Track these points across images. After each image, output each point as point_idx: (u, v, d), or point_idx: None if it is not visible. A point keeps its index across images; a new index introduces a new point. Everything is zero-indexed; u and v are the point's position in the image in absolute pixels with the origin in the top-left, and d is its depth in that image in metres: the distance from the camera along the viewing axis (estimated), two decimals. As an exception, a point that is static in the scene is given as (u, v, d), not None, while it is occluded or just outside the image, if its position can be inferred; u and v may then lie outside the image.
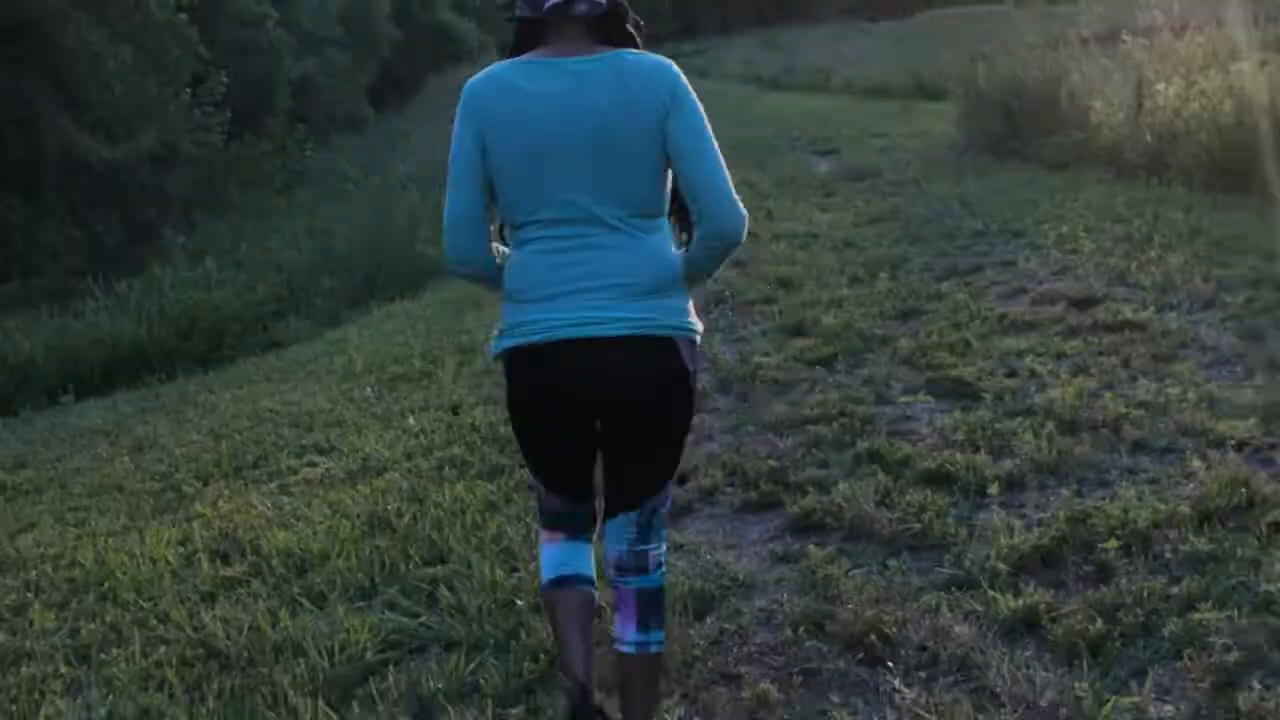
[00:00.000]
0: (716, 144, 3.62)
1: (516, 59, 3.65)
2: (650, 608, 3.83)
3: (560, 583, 3.93)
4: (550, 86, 3.55)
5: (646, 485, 3.82)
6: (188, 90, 28.26)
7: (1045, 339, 8.06)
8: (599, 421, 3.74)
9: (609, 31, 3.65)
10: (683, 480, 6.52)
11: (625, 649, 3.82)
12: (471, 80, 3.66)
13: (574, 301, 3.55)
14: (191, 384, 11.40)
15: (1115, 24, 18.13)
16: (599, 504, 3.99)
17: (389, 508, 6.41)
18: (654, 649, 3.83)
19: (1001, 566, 4.95)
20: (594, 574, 4.02)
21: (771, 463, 6.46)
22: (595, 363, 3.56)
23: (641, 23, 3.77)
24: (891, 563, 5.18)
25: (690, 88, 3.64)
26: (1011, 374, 7.45)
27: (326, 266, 14.50)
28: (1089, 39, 17.56)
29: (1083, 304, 8.79)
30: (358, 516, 6.37)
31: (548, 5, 3.57)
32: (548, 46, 3.63)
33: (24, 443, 10.11)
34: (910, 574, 5.07)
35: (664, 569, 3.96)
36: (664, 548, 3.96)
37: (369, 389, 9.23)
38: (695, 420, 7.48)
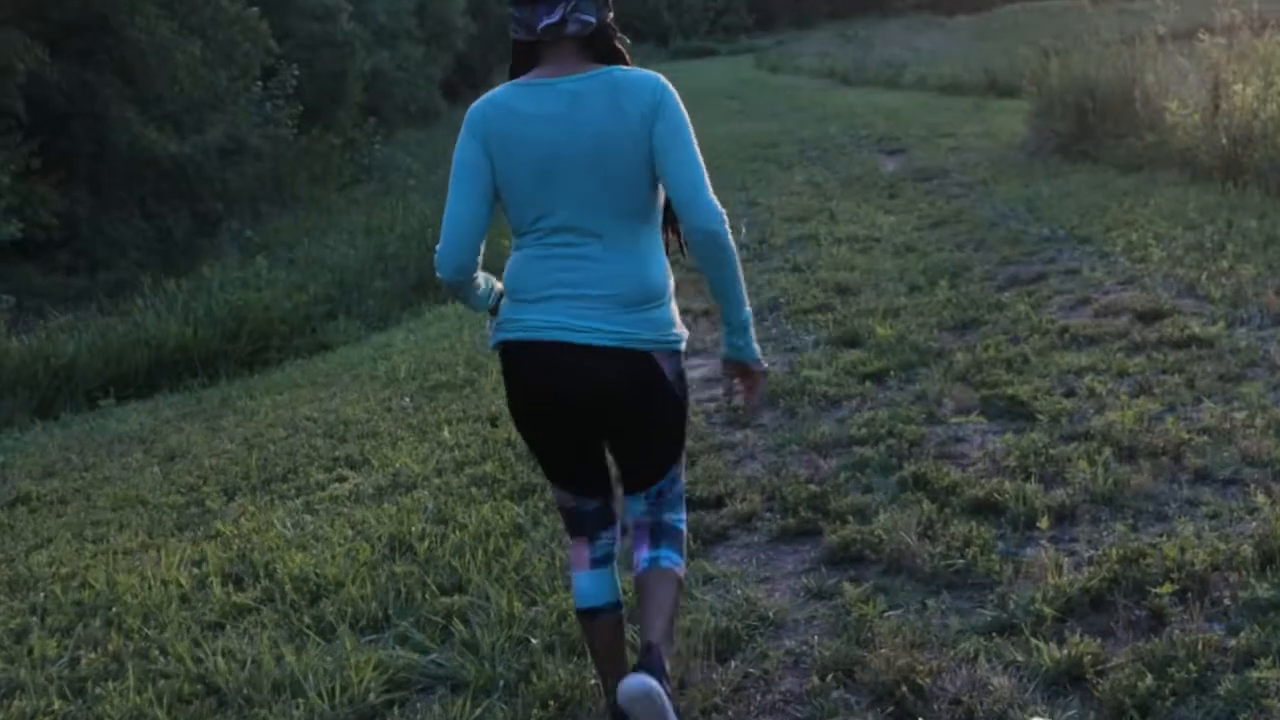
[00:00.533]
0: (696, 145, 3.82)
1: (515, 82, 3.87)
2: (664, 534, 4.06)
3: (591, 614, 4.10)
4: (548, 108, 3.77)
5: (648, 475, 4.05)
6: (258, 83, 28.25)
7: (1107, 355, 7.69)
8: (586, 418, 3.91)
9: (599, 49, 3.87)
10: (719, 504, 6.25)
11: (639, 568, 4.03)
12: (474, 105, 3.89)
13: (562, 306, 3.78)
14: (234, 388, 11.21)
15: (1192, 22, 17.62)
16: (616, 505, 4.21)
17: (412, 529, 6.16)
18: (665, 563, 4.00)
19: (1047, 610, 4.62)
20: (619, 594, 4.17)
21: (812, 487, 6.15)
22: (577, 367, 3.77)
23: (628, 40, 4.02)
24: (930, 602, 4.86)
25: (676, 97, 3.85)
26: (1070, 393, 7.09)
27: (379, 266, 14.25)
28: (1165, 37, 17.04)
29: (1148, 317, 8.40)
30: (379, 538, 6.12)
31: (541, 26, 3.78)
32: (543, 66, 3.84)
33: (59, 448, 9.94)
34: (949, 615, 4.75)
35: (683, 523, 4.17)
36: (682, 515, 4.17)
37: (408, 398, 8.99)
38: (738, 437, 7.26)
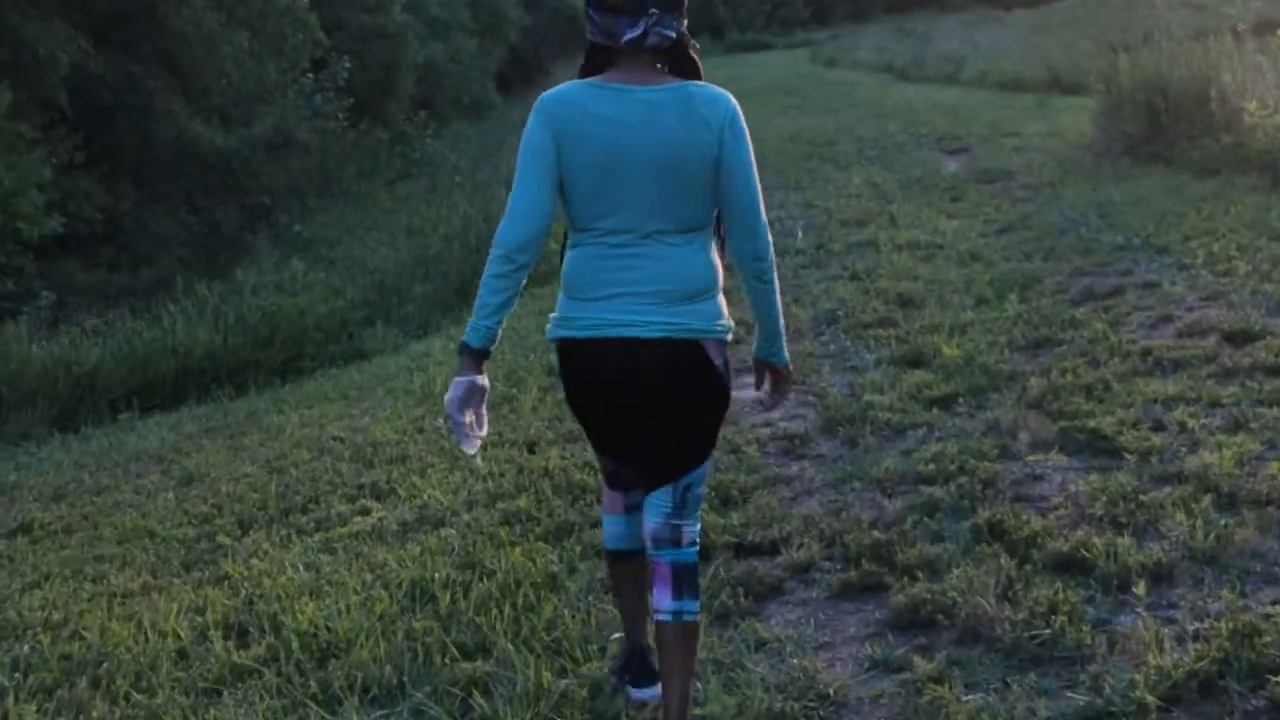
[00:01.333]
0: (756, 173, 4.01)
1: (590, 81, 3.97)
2: (684, 579, 4.11)
3: (623, 556, 4.41)
4: (621, 113, 3.89)
5: (680, 465, 4.13)
6: (309, 75, 27.79)
7: (1195, 383, 7.04)
8: (633, 409, 4.05)
9: (675, 60, 4.01)
10: (773, 550, 5.66)
11: (662, 618, 4.10)
12: (546, 95, 3.99)
13: (618, 304, 3.93)
14: (263, 400, 10.63)
15: (1272, 16, 16.84)
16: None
17: (436, 575, 5.59)
18: (687, 618, 4.09)
19: (1149, 698, 4.01)
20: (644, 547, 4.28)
21: (876, 534, 5.55)
22: (631, 358, 3.93)
23: (699, 47, 4.10)
24: (1013, 683, 4.26)
25: (743, 120, 3.99)
26: (1158, 427, 6.46)
27: (419, 270, 13.52)
28: (1242, 32, 16.28)
29: (1238, 338, 7.74)
30: (399, 585, 5.55)
31: (625, 39, 3.89)
32: (618, 71, 3.95)
33: (74, 466, 9.41)
34: (1035, 698, 4.15)
35: (696, 546, 4.20)
36: (698, 528, 4.23)
37: (442, 418, 8.41)
38: (794, 469, 6.66)
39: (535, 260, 4.02)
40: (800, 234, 12.90)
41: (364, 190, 25.18)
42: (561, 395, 8.60)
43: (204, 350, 11.87)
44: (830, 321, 9.78)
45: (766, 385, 4.40)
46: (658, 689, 4.23)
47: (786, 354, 4.36)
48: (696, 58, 4.05)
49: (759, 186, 4.03)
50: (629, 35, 3.89)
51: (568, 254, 4.11)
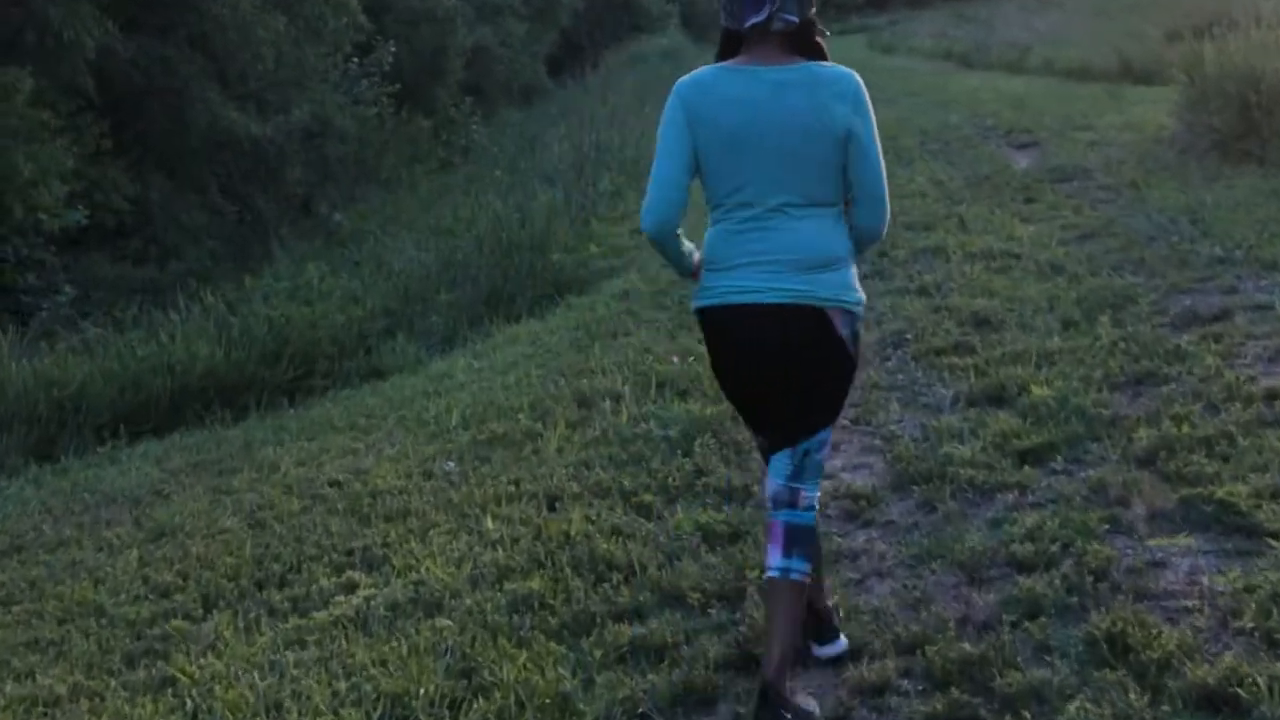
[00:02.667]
0: (881, 150, 4.20)
1: (722, 65, 4.23)
2: (795, 539, 4.23)
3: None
4: (750, 93, 4.12)
5: (804, 429, 4.27)
6: (354, 60, 26.78)
7: (1340, 439, 5.88)
8: (764, 373, 4.20)
9: (801, 43, 4.18)
10: (838, 662, 4.55)
11: (772, 573, 4.22)
12: (682, 80, 4.25)
13: (750, 272, 4.13)
14: (263, 428, 9.47)
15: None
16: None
17: (422, 689, 4.49)
18: (795, 576, 4.20)
19: None
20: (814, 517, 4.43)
21: (965, 647, 4.43)
22: (759, 324, 4.12)
23: (828, 33, 4.31)
24: None
25: (868, 97, 4.17)
26: (1303, 500, 5.30)
27: (447, 274, 12.25)
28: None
29: (1379, 379, 6.58)
30: (375, 702, 4.46)
31: (749, 23, 4.12)
32: (748, 54, 4.19)
33: (40, 510, 8.28)
34: None
35: (814, 511, 4.36)
36: (817, 493, 4.37)
37: (452, 461, 7.30)
38: (861, 540, 5.54)
39: (679, 221, 4.28)
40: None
41: (405, 180, 24.12)
42: (595, 430, 7.61)
43: (204, 367, 10.63)
44: (897, 344, 8.66)
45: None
46: (840, 643, 4.54)
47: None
48: (822, 41, 4.25)
49: (883, 163, 4.24)
50: (753, 20, 4.13)
51: (707, 231, 4.32)
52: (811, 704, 4.22)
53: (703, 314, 4.34)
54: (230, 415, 10.17)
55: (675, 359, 8.73)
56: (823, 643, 4.54)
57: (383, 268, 12.74)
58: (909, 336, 8.73)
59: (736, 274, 4.16)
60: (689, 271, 4.45)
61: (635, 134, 20.59)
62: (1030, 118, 19.04)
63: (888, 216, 4.31)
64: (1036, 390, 6.98)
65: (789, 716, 4.02)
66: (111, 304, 18.12)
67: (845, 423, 7.03)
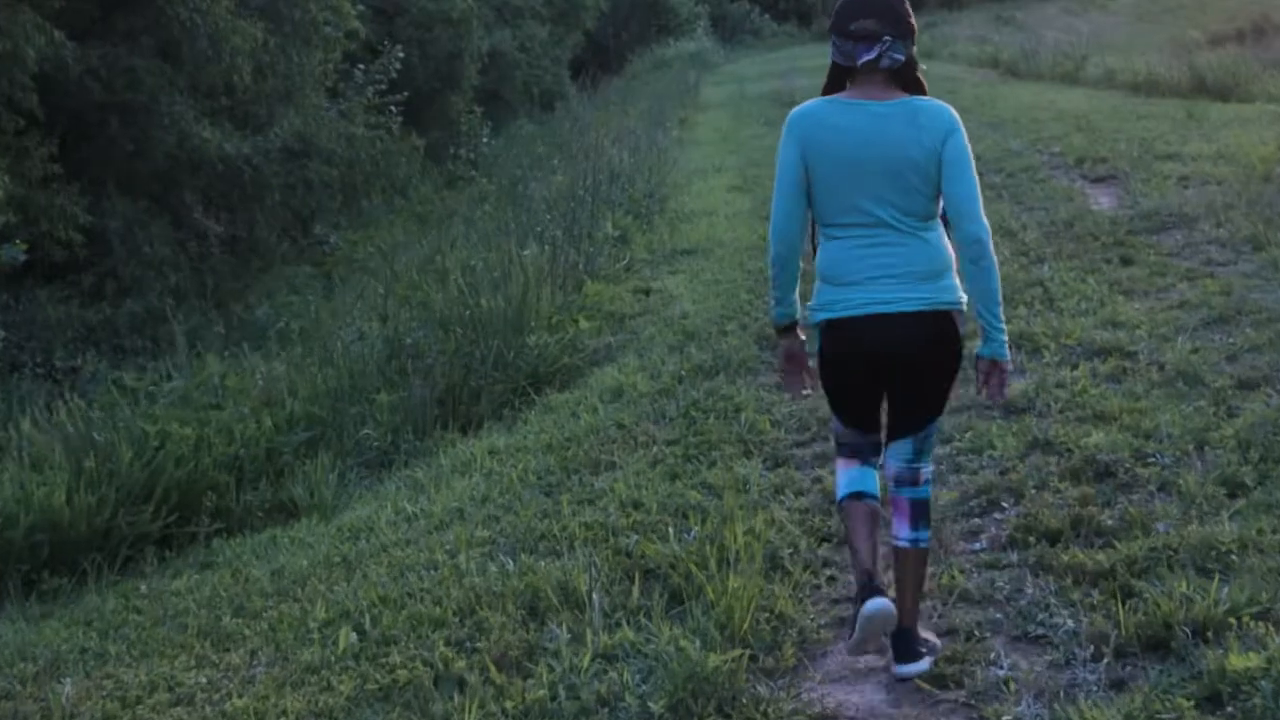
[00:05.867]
0: (975, 171, 4.58)
1: (831, 98, 4.66)
2: (919, 513, 4.76)
3: (856, 496, 4.78)
4: (858, 124, 4.54)
5: (923, 418, 4.77)
6: (359, 68, 24.14)
7: None
8: (888, 373, 4.67)
9: (903, 79, 4.60)
10: None
11: (900, 544, 4.76)
12: (795, 112, 4.68)
13: (872, 286, 4.56)
14: (77, 632, 6.22)
15: None
16: (883, 437, 4.85)
17: None
18: (922, 544, 4.76)
19: None
20: (879, 493, 4.80)
21: None
22: (889, 331, 4.56)
23: (925, 68, 4.72)
24: None
25: (963, 127, 4.58)
26: None
27: (395, 364, 9.27)
28: None
29: None
30: None
31: (861, 61, 4.54)
32: (856, 88, 4.61)
33: None
34: None
35: (930, 484, 4.86)
36: (931, 469, 4.88)
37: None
38: None
39: (804, 240, 4.73)
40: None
41: (399, 206, 21.43)
42: (531, 696, 4.89)
43: (40, 514, 7.32)
44: (986, 511, 5.97)
45: (987, 381, 4.74)
46: (879, 601, 4.50)
47: (1007, 349, 4.69)
48: (922, 78, 4.65)
49: (976, 181, 4.56)
50: (865, 57, 4.52)
51: (820, 247, 4.73)
52: (935, 638, 4.83)
53: (832, 325, 4.65)
54: (60, 585, 7.25)
55: (670, 529, 6.04)
56: (865, 600, 4.55)
57: (322, 347, 9.81)
58: (1003, 501, 6.03)
59: (866, 288, 4.57)
60: (783, 322, 4.86)
61: (651, 158, 17.87)
62: (1102, 143, 16.18)
63: (986, 228, 4.56)
64: (1236, 662, 4.26)
65: (923, 650, 4.69)
66: (50, 349, 15.58)
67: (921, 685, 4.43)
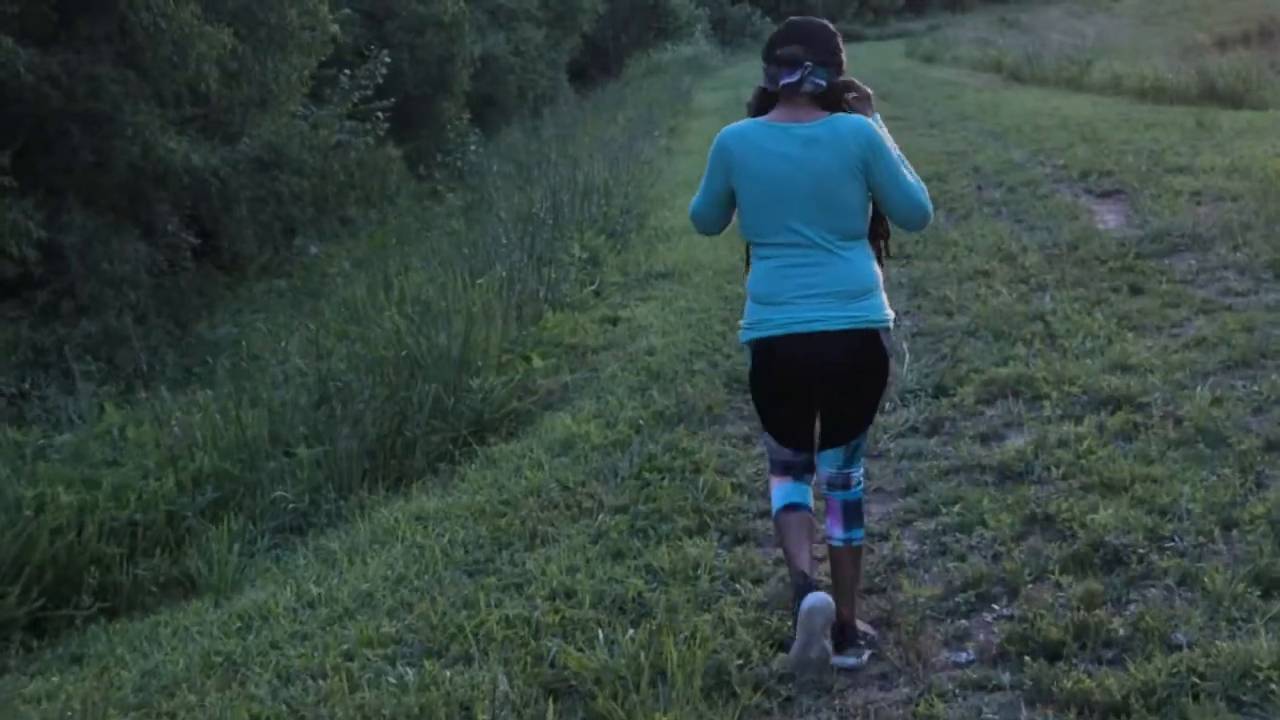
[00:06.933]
0: (906, 166, 4.76)
1: (758, 120, 4.81)
2: (851, 513, 4.90)
3: (790, 508, 4.90)
4: (784, 148, 4.69)
5: (852, 432, 4.89)
6: (345, 73, 23.14)
7: None
8: (818, 390, 4.79)
9: (828, 101, 4.76)
10: None
11: (834, 543, 4.93)
12: (725, 131, 4.86)
13: (799, 305, 4.69)
14: None
15: None
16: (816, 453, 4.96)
17: None
18: (855, 543, 4.92)
19: None
20: (811, 504, 4.92)
21: None
22: (816, 349, 4.68)
23: (852, 95, 4.82)
24: None
25: (884, 136, 4.71)
26: None
27: (323, 410, 8.17)
28: None
29: None
30: None
31: (783, 83, 4.72)
32: (781, 111, 4.77)
33: None
34: None
35: (861, 487, 4.97)
36: (861, 472, 4.98)
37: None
38: None
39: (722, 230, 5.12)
40: (907, 359, 8.07)
41: (376, 219, 20.44)
42: None
43: None
44: (974, 610, 5.01)
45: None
46: (817, 596, 4.55)
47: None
48: (850, 105, 4.78)
49: (909, 177, 4.76)
50: (786, 80, 4.70)
51: (752, 267, 4.88)
52: (873, 631, 4.95)
53: (762, 344, 4.79)
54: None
55: (602, 632, 5.08)
56: (801, 597, 4.59)
57: (250, 389, 8.75)
58: (995, 597, 5.07)
59: (794, 307, 4.69)
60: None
61: (633, 169, 16.87)
62: (1107, 154, 15.17)
63: (926, 212, 4.85)
64: None
65: (862, 642, 4.82)
66: (-3, 374, 14.61)
67: None
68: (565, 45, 41.99)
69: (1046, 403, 7.12)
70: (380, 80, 23.76)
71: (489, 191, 18.57)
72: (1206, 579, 4.89)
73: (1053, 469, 6.20)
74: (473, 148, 26.87)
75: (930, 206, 4.83)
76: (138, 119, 17.44)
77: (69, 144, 17.11)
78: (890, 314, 4.80)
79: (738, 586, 5.47)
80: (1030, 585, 5.09)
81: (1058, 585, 5.06)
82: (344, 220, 22.48)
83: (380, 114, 23.27)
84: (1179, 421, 6.59)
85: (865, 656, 4.74)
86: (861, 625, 4.91)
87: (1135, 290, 9.27)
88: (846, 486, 4.90)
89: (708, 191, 4.90)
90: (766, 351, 4.76)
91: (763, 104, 4.81)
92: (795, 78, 4.67)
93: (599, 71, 47.15)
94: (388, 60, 24.12)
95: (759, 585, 5.48)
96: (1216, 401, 6.80)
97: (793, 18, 4.92)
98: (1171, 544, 5.28)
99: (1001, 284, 9.80)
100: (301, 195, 18.86)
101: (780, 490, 4.95)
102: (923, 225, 4.89)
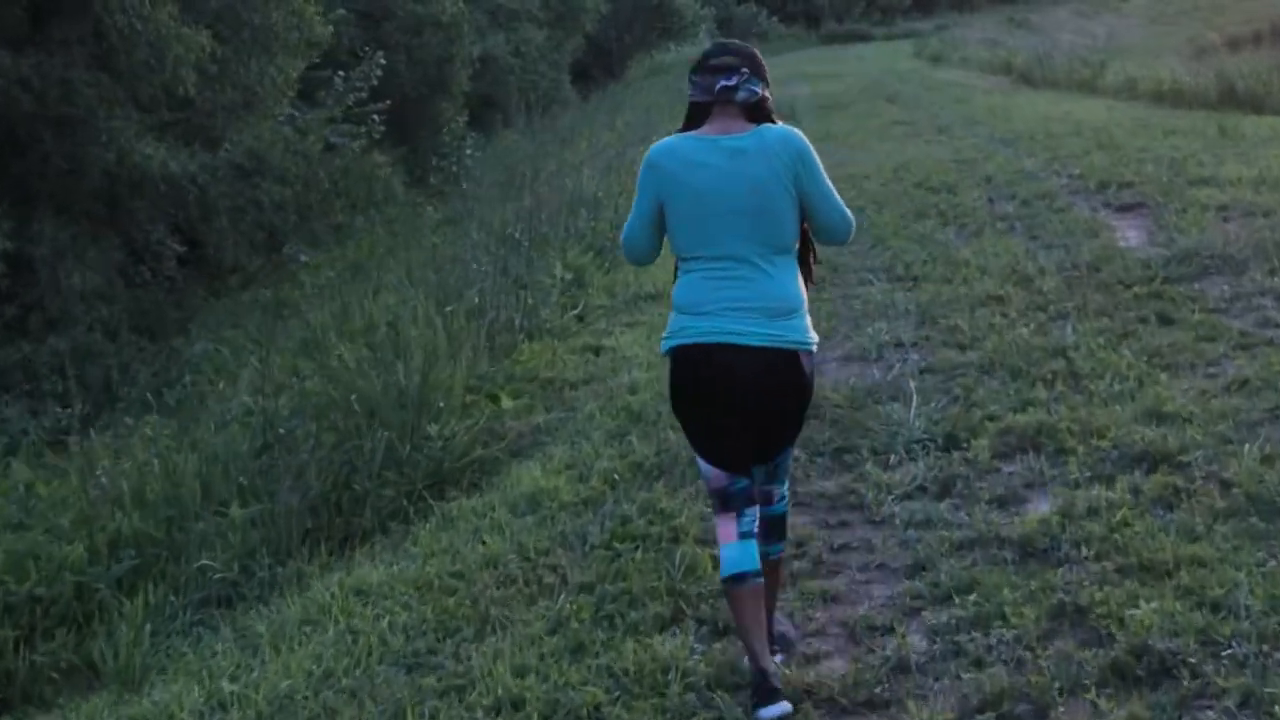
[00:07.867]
0: (830, 183, 4.70)
1: (688, 134, 4.70)
2: (774, 527, 4.89)
3: (737, 579, 4.59)
4: (714, 160, 4.58)
5: (773, 451, 4.79)
6: (339, 75, 22.29)
7: None
8: (739, 405, 4.58)
9: (756, 114, 4.68)
10: None
11: None
12: (655, 146, 4.76)
13: (723, 317, 4.53)
14: None
15: None
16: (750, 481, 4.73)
17: None
18: (773, 556, 4.88)
19: None
20: (759, 565, 4.62)
21: None
22: (735, 362, 4.52)
23: (776, 116, 4.78)
24: None
25: (811, 148, 4.67)
26: None
27: (260, 462, 7.22)
28: None
29: None
30: None
31: (719, 86, 4.62)
32: (712, 124, 4.66)
33: None
34: None
35: (785, 502, 4.96)
36: (785, 489, 4.96)
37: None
38: None
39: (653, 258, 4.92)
40: (914, 400, 7.19)
41: (363, 227, 19.60)
42: None
43: None
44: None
45: None
46: (779, 707, 4.36)
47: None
48: (774, 114, 4.73)
49: (833, 192, 4.70)
50: (724, 83, 4.60)
51: (678, 279, 4.72)
52: (791, 629, 5.04)
53: (679, 352, 4.62)
54: None
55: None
56: (762, 706, 4.40)
57: (189, 435, 7.81)
58: (1020, 719, 4.21)
59: (716, 319, 4.53)
60: None
61: (627, 181, 16.02)
62: (1126, 164, 14.28)
63: (851, 226, 4.79)
64: None
65: (777, 647, 4.79)
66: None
67: None
68: (567, 46, 41.09)
69: (1072, 459, 6.24)
70: (375, 82, 22.98)
71: (474, 202, 17.66)
72: (1277, 705, 4.02)
73: (1082, 546, 5.33)
74: (469, 151, 26.03)
75: (853, 220, 4.80)
76: (113, 124, 16.61)
77: (40, 150, 16.28)
78: (814, 337, 4.69)
79: (715, 699, 4.59)
80: (1062, 706, 4.23)
81: (1094, 706, 4.20)
82: (335, 226, 21.69)
83: (375, 116, 22.53)
84: (1226, 486, 5.72)
85: (788, 706, 4.46)
86: (780, 626, 4.95)
87: (1165, 320, 8.39)
88: (769, 502, 4.84)
89: (639, 212, 4.75)
90: (685, 360, 4.61)
91: (694, 118, 4.72)
92: (733, 81, 4.60)
93: (602, 72, 46.32)
94: (383, 61, 23.33)
95: (738, 695, 4.60)
96: (1267, 460, 5.93)
97: (721, 39, 4.64)
98: (1229, 651, 4.41)
99: (1017, 312, 8.92)
100: (284, 204, 18.00)
101: (727, 553, 4.68)
102: (847, 238, 4.82)
